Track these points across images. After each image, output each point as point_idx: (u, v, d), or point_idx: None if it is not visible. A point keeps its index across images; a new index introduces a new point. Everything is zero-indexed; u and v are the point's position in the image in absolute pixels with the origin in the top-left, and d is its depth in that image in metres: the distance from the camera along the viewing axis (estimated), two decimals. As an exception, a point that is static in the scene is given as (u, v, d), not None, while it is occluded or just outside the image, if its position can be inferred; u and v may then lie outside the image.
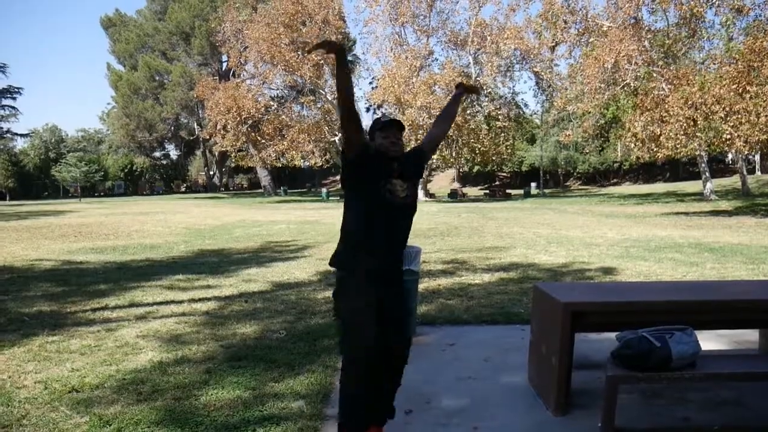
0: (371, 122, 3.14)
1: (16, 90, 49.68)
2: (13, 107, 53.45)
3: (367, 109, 54.57)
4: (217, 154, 56.53)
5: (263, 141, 37.90)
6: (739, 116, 17.55)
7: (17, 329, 5.83)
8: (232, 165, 52.90)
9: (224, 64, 51.39)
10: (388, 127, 3.04)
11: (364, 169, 3.01)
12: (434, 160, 34.85)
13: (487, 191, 46.52)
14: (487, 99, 37.53)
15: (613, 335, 3.50)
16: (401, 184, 3.01)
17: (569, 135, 32.78)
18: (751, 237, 12.85)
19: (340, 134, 37.88)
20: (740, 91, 17.48)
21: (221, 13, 39.32)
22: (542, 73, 34.57)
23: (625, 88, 26.30)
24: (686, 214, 20.58)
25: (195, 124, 57.85)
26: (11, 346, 5.20)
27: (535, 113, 51.92)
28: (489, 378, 4.22)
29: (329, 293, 7.43)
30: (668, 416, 3.57)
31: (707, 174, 28.97)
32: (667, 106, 19.72)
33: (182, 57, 54.14)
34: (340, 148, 3.21)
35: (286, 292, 7.63)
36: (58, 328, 5.85)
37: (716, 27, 25.45)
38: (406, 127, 3.58)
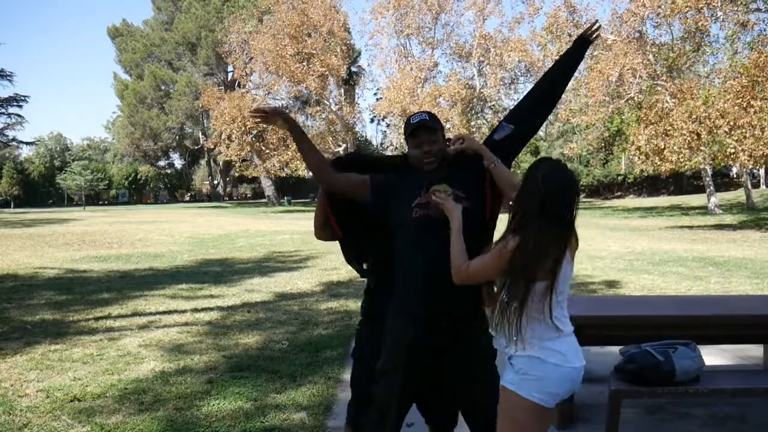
0: (405, 122, 2.53)
1: (22, 98, 49.72)
2: (19, 115, 53.68)
3: (372, 120, 54.80)
4: (221, 163, 56.69)
5: (267, 151, 38.01)
6: (744, 130, 17.52)
7: (20, 337, 5.83)
8: (236, 174, 53.02)
9: (230, 75, 51.70)
10: (417, 133, 2.43)
11: (389, 201, 2.50)
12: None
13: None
14: (491, 111, 37.60)
15: (616, 349, 3.49)
16: (445, 189, 2.36)
17: (573, 148, 32.79)
18: (756, 251, 12.80)
19: (344, 145, 38.05)
20: (744, 105, 17.47)
21: (227, 24, 39.55)
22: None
23: (629, 102, 26.32)
24: (690, 227, 20.52)
25: (200, 133, 58.07)
26: (14, 354, 5.20)
27: (539, 125, 51.90)
28: (491, 391, 4.19)
29: (332, 304, 7.44)
30: (671, 431, 3.55)
31: (711, 188, 28.89)
32: (671, 120, 19.72)
33: (188, 67, 54.45)
34: None
35: (288, 302, 7.62)
36: (61, 336, 5.85)
37: (721, 41, 25.49)
38: (439, 120, 2.58)
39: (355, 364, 2.88)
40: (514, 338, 2.11)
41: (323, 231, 2.76)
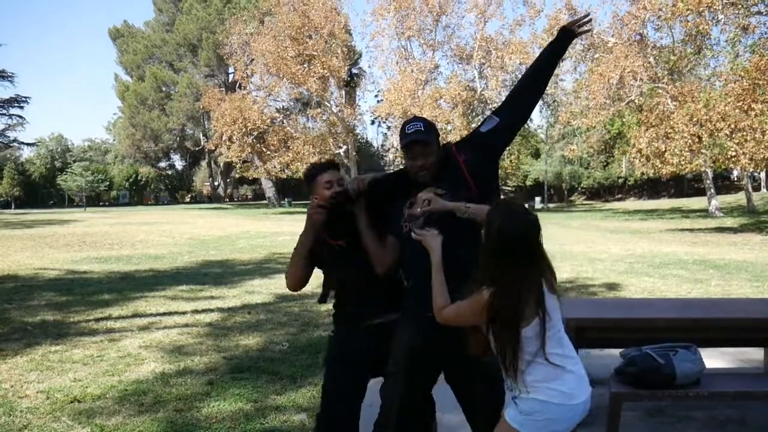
0: (400, 129, 2.55)
1: (23, 99, 49.61)
2: (21, 116, 53.66)
3: (372, 122, 54.83)
4: (222, 165, 56.65)
5: (268, 152, 38.05)
6: (744, 133, 17.54)
7: (20, 338, 5.83)
8: (237, 176, 53.07)
9: (231, 76, 51.67)
10: (410, 147, 2.45)
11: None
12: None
13: (491, 205, 46.37)
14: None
15: (616, 352, 3.48)
16: (431, 191, 2.42)
17: (574, 150, 32.82)
18: (756, 254, 12.79)
19: (344, 146, 38.03)
20: (745, 108, 17.49)
21: (228, 26, 39.59)
22: (547, 88, 34.58)
23: (630, 104, 26.33)
24: (691, 230, 20.52)
25: (200, 134, 58.05)
26: (14, 355, 5.20)
27: (539, 128, 52.06)
28: (492, 393, 4.19)
29: (332, 305, 7.42)
30: (672, 435, 3.54)
31: (712, 190, 28.91)
32: (672, 123, 19.74)
33: (189, 68, 54.44)
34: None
35: (289, 303, 7.62)
36: (61, 337, 5.85)
37: (722, 44, 25.51)
38: (435, 127, 2.61)
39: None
40: (516, 384, 2.11)
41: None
